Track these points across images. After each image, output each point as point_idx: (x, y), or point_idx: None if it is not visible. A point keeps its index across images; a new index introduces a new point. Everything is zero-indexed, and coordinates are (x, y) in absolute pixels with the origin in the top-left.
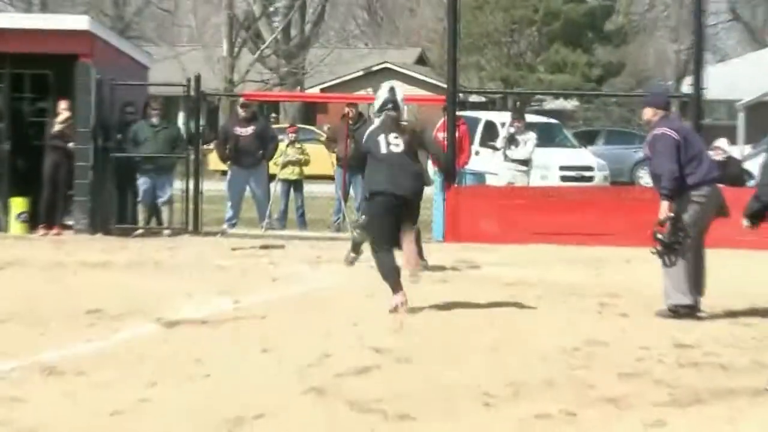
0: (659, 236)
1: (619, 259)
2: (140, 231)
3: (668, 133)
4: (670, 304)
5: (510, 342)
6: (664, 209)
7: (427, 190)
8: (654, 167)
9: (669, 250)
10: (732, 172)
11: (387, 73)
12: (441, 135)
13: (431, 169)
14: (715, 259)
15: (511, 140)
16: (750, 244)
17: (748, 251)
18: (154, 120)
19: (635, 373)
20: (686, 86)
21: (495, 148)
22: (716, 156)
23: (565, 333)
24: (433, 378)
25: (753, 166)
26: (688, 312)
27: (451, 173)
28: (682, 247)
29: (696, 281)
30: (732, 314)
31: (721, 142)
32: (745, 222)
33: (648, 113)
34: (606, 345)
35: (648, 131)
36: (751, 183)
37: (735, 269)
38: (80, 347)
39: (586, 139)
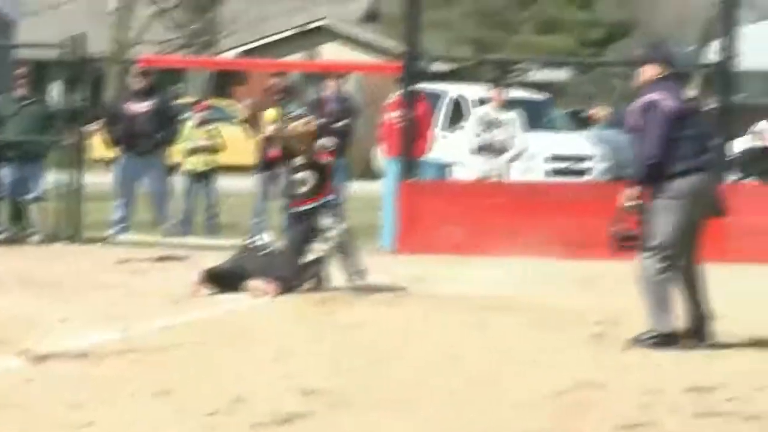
0: (613, 229)
1: (624, 277)
2: (1, 236)
3: (665, 102)
4: (648, 330)
5: (479, 383)
6: (629, 195)
7: (374, 186)
8: (640, 145)
9: (625, 244)
10: None
11: (324, 34)
12: (394, 114)
13: (381, 157)
14: (735, 273)
15: (489, 122)
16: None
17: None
18: (20, 92)
19: (640, 425)
20: (713, 53)
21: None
22: (757, 143)
23: (551, 372)
24: (378, 429)
25: None
26: (666, 341)
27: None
28: (638, 242)
29: (694, 302)
30: (763, 344)
31: (764, 126)
32: None
33: (649, 72)
34: (603, 388)
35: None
36: None
37: (759, 286)
38: None
39: (583, 120)
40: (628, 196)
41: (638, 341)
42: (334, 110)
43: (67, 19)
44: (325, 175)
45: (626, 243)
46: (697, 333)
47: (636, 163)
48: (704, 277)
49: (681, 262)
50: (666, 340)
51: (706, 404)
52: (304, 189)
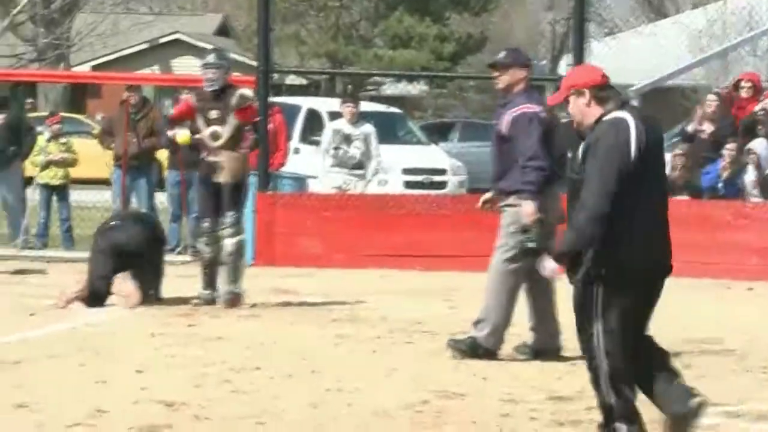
0: (530, 245)
1: (478, 289)
2: None
3: (541, 115)
4: (473, 336)
5: (338, 395)
6: (530, 210)
7: None
8: (522, 151)
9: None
10: None
11: (178, 47)
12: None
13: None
14: None
15: (343, 136)
16: None
17: None
18: None
19: None
20: (564, 67)
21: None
22: None
23: (410, 382)
24: None
25: None
26: (483, 354)
27: None
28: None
29: (542, 316)
30: None
31: None
32: None
33: (514, 76)
34: (462, 397)
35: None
36: None
37: None
38: None
39: (437, 133)
40: (529, 211)
41: (454, 345)
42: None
43: None
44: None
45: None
46: (541, 350)
47: (529, 173)
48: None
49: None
50: (484, 352)
51: (565, 413)
52: (216, 143)
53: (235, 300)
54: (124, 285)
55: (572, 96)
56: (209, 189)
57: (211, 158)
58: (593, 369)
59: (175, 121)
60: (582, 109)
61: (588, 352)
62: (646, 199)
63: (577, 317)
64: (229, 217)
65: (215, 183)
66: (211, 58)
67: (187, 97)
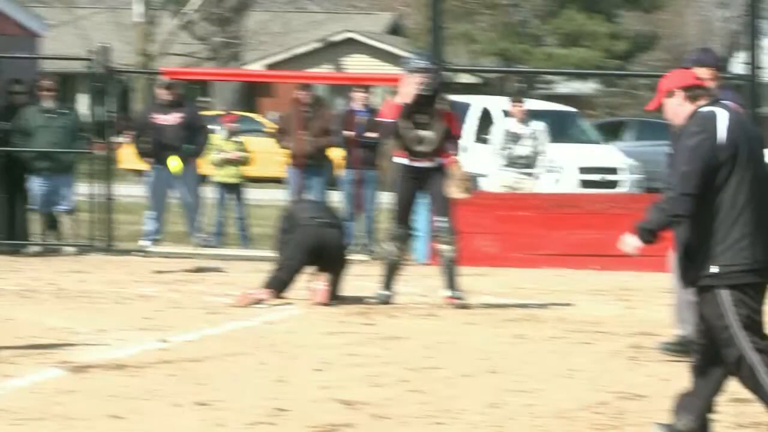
0: None
1: (656, 289)
2: (36, 248)
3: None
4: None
5: (517, 395)
6: None
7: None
8: None
9: None
10: None
11: (350, 45)
12: None
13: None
14: None
15: (512, 135)
16: None
17: None
18: (47, 104)
19: None
20: (738, 65)
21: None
22: None
23: (588, 383)
24: None
25: None
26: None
27: None
28: None
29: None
30: None
31: None
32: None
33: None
34: (642, 399)
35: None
36: None
37: None
38: None
39: (609, 132)
40: None
41: (664, 347)
42: (364, 122)
43: (92, 32)
44: (447, 136)
45: None
46: None
47: None
48: None
49: None
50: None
51: (748, 415)
52: (424, 147)
53: (463, 303)
54: (315, 281)
55: (666, 99)
56: (409, 193)
57: (417, 164)
58: (746, 371)
59: (380, 123)
60: (675, 109)
61: (730, 359)
62: (743, 195)
63: (705, 325)
64: (445, 223)
65: (414, 188)
66: (425, 62)
67: (392, 99)
